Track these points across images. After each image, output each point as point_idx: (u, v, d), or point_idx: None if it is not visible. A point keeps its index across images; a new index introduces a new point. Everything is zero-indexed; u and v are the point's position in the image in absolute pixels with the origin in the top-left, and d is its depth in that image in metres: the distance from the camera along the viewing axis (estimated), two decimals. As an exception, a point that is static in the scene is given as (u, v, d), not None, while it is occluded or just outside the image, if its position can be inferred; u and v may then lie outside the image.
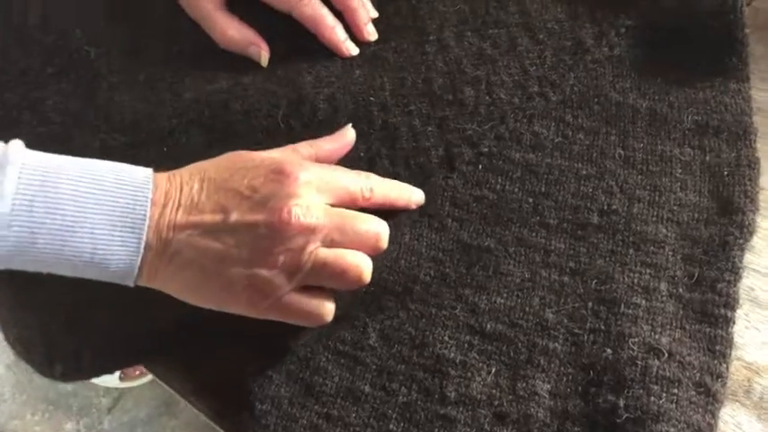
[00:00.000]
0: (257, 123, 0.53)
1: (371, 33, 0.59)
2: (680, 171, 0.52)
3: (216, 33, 0.58)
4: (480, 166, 0.53)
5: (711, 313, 0.46)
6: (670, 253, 0.49)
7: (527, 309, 0.47)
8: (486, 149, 0.54)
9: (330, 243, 0.43)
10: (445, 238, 0.50)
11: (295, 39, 0.58)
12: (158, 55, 0.58)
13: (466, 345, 0.46)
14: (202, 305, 0.44)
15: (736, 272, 0.47)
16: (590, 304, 0.47)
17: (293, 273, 0.43)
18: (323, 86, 0.55)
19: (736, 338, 0.47)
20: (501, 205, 0.51)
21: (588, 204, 0.51)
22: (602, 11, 0.59)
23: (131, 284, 0.42)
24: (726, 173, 0.51)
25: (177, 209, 0.42)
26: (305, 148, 0.49)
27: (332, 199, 0.45)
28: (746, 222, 0.49)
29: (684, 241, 0.49)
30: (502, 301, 0.48)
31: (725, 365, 0.45)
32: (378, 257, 0.47)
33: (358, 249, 0.45)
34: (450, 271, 0.49)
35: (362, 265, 0.44)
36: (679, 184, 0.51)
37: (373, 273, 0.48)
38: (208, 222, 0.42)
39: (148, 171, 0.42)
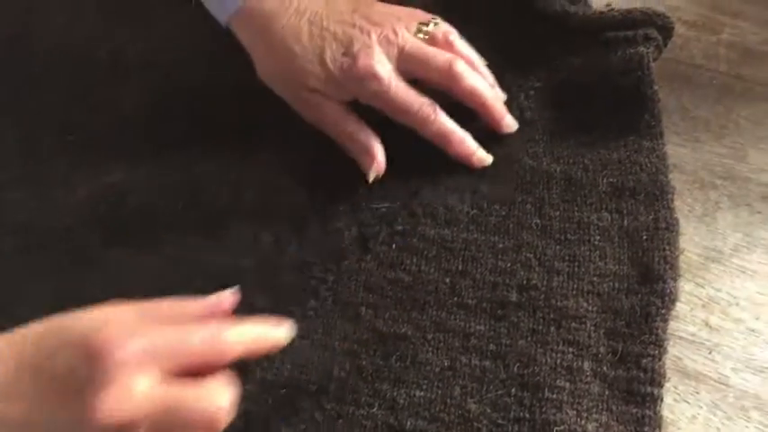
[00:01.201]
0: (155, 219, 0.50)
1: (511, 126, 0.55)
2: (598, 238, 0.50)
3: (343, 134, 0.54)
4: (394, 246, 0.51)
5: (638, 392, 0.44)
6: (592, 328, 0.47)
7: (448, 400, 0.45)
8: (400, 227, 0.51)
9: (157, 429, 0.37)
10: (360, 327, 0.48)
11: (193, 118, 0.56)
12: (49, 147, 0.55)
13: (385, 446, 0.43)
14: None
15: (660, 344, 0.46)
16: (513, 390, 0.45)
17: None
18: (224, 172, 0.53)
19: (667, 414, 0.45)
20: (417, 288, 0.49)
21: (507, 281, 0.49)
22: (510, 73, 0.57)
23: None
24: (644, 237, 0.50)
25: None
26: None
27: (171, 366, 0.38)
28: (668, 291, 0.47)
29: (606, 314, 0.47)
30: (421, 393, 0.45)
31: (654, 448, 0.43)
32: (288, 355, 0.45)
33: None
34: (367, 364, 0.46)
35: None
36: (598, 252, 0.50)
37: (285, 372, 0.46)
38: (16, 417, 0.36)
39: None
